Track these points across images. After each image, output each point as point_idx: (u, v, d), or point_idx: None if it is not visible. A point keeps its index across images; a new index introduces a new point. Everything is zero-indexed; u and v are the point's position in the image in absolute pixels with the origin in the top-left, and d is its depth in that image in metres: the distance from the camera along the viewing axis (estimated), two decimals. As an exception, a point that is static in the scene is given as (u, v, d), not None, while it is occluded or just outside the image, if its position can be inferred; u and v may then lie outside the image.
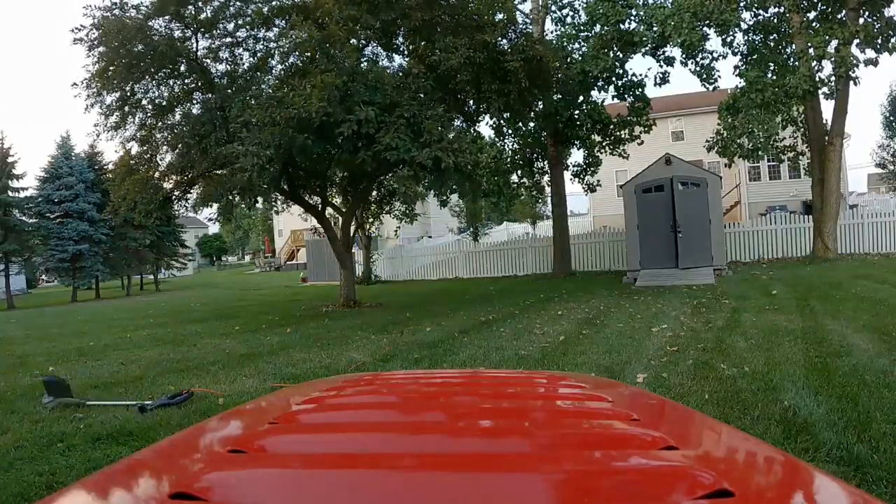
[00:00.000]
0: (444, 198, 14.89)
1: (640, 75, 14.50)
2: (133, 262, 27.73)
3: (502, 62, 10.06)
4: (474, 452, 0.41)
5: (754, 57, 13.50)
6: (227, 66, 10.80)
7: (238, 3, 10.18)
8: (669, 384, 4.07)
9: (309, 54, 9.23)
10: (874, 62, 12.74)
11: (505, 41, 11.08)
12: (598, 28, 13.84)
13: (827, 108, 13.99)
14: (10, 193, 24.91)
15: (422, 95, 9.43)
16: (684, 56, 13.24)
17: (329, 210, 13.23)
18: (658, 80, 14.38)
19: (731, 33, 13.13)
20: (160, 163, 11.02)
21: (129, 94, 10.36)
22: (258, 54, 10.57)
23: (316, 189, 12.30)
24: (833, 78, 12.70)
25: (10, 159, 25.04)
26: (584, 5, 13.98)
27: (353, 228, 13.56)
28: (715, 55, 13.58)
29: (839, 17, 12.89)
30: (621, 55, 14.02)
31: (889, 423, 2.94)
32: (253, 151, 8.24)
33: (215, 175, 9.82)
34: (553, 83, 12.25)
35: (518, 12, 12.48)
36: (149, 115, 10.77)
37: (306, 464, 0.38)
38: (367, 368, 5.44)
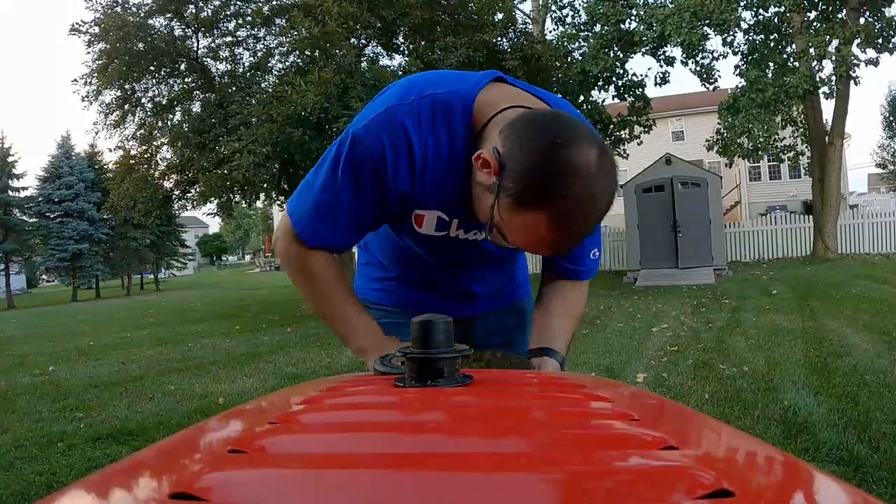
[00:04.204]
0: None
1: (641, 75, 14.48)
2: (133, 262, 27.73)
3: (502, 62, 10.05)
4: (474, 452, 0.41)
5: (755, 56, 13.49)
6: (228, 66, 10.79)
7: (238, 3, 10.18)
8: (669, 384, 4.08)
9: (308, 53, 9.22)
10: (875, 62, 12.74)
11: (504, 41, 11.08)
12: (598, 28, 13.82)
13: (827, 108, 14.00)
14: (10, 193, 24.92)
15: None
16: (684, 56, 13.23)
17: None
18: (658, 80, 14.37)
19: (731, 33, 13.12)
20: (160, 162, 11.02)
21: (129, 92, 10.36)
22: (258, 53, 10.57)
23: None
24: (833, 78, 12.70)
25: (10, 159, 25.04)
26: (585, 5, 13.97)
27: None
28: (715, 55, 13.58)
29: (840, 16, 12.89)
30: (621, 55, 14.00)
31: (889, 423, 2.94)
32: (250, 149, 8.24)
33: (215, 173, 9.83)
34: (553, 83, 12.25)
35: (518, 12, 12.47)
36: (149, 113, 10.76)
37: (306, 464, 0.38)
38: (367, 368, 5.43)
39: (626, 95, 14.60)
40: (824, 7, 13.20)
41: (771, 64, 13.35)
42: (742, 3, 12.84)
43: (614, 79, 14.30)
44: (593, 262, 1.16)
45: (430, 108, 0.90)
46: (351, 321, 1.04)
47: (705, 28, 12.54)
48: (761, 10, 13.39)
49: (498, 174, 0.81)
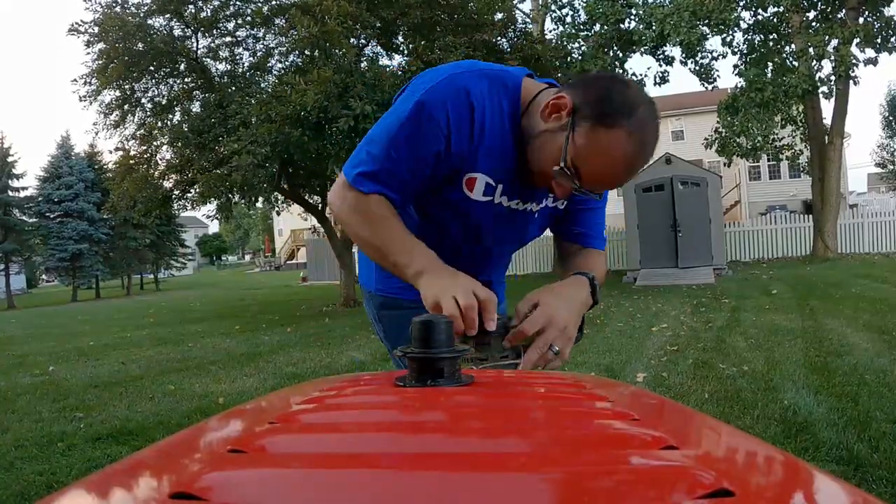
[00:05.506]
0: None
1: (640, 75, 14.47)
2: (133, 262, 27.73)
3: (501, 61, 10.04)
4: (474, 452, 0.41)
5: (754, 56, 13.49)
6: (228, 66, 10.79)
7: (238, 3, 10.17)
8: (669, 384, 4.08)
9: (308, 52, 9.22)
10: (874, 61, 12.74)
11: (504, 40, 11.08)
12: (597, 27, 13.83)
13: (827, 108, 14.00)
14: (10, 193, 24.91)
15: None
16: (684, 55, 13.23)
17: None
18: (658, 80, 14.36)
19: (730, 33, 13.12)
20: (160, 162, 11.03)
21: (128, 92, 10.36)
22: (258, 54, 10.57)
23: (316, 188, 12.31)
24: (832, 77, 12.70)
25: (10, 159, 25.04)
26: (584, 4, 13.96)
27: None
28: (714, 54, 13.58)
29: (839, 16, 12.89)
30: (621, 54, 14.00)
31: (889, 423, 2.94)
32: (249, 149, 8.23)
33: (214, 173, 9.84)
34: (552, 82, 12.24)
35: (518, 12, 12.46)
36: (148, 113, 10.77)
37: (306, 464, 0.38)
38: (367, 368, 5.44)
39: (626, 95, 14.57)
40: (823, 7, 13.20)
41: (770, 63, 13.35)
42: (741, 3, 12.84)
43: (613, 78, 14.28)
44: (603, 237, 1.29)
45: (486, 79, 1.00)
46: (409, 244, 1.02)
47: (704, 28, 12.54)
48: (760, 10, 13.40)
49: (571, 113, 0.94)
